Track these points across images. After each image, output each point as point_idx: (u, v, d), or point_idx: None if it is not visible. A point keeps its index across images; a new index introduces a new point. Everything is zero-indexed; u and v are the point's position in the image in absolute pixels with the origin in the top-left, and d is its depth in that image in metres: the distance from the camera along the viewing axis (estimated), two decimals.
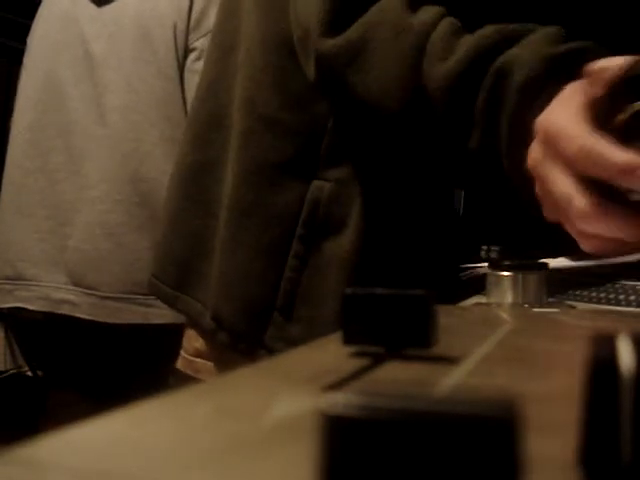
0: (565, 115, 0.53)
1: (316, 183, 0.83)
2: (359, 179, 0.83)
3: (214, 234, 0.88)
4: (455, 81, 0.66)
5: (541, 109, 0.56)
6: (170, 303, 0.97)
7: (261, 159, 0.84)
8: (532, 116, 0.57)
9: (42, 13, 1.54)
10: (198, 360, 0.94)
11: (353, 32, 0.71)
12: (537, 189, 0.58)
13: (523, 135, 0.58)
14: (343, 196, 0.83)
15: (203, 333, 0.92)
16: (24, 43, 1.55)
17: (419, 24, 0.69)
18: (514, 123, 0.60)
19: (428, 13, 0.70)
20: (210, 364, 0.92)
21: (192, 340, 0.95)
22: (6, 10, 2.09)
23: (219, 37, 0.95)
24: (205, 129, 0.93)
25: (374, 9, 0.71)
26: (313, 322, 0.83)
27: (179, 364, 0.96)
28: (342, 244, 0.83)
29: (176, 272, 0.94)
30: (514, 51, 0.64)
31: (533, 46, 0.62)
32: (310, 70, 0.76)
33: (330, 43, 0.72)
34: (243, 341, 0.85)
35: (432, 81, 0.67)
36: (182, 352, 0.96)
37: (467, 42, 0.67)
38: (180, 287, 0.94)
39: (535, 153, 0.56)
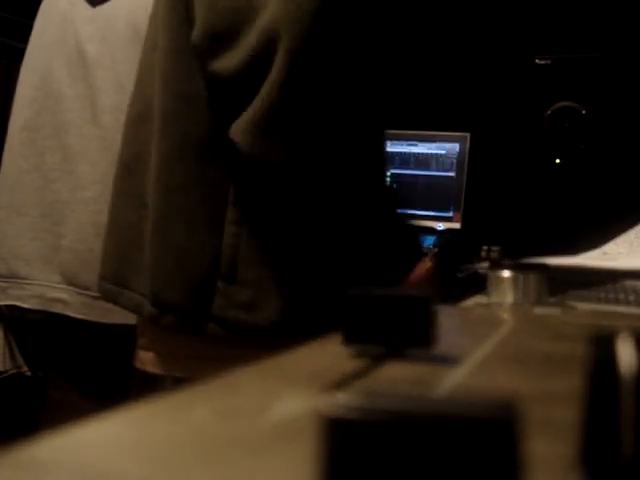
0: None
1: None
2: None
3: (146, 223, 0.90)
4: None
5: None
6: (113, 300, 0.98)
7: (189, 135, 0.86)
8: None
9: (41, 13, 1.54)
10: (141, 352, 0.95)
11: None
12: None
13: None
14: None
15: (144, 323, 0.93)
16: (24, 43, 1.55)
17: None
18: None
19: None
20: (151, 354, 0.93)
21: (138, 334, 0.96)
22: (6, 10, 2.09)
23: (146, 38, 0.99)
24: (133, 124, 0.96)
25: None
26: (259, 284, 0.84)
27: (134, 360, 0.97)
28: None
29: (115, 268, 0.96)
30: None
31: None
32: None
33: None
34: (190, 317, 0.86)
35: None
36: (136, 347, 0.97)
37: None
38: (120, 282, 0.95)
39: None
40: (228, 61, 0.79)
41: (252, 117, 0.78)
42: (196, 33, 0.82)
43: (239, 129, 0.79)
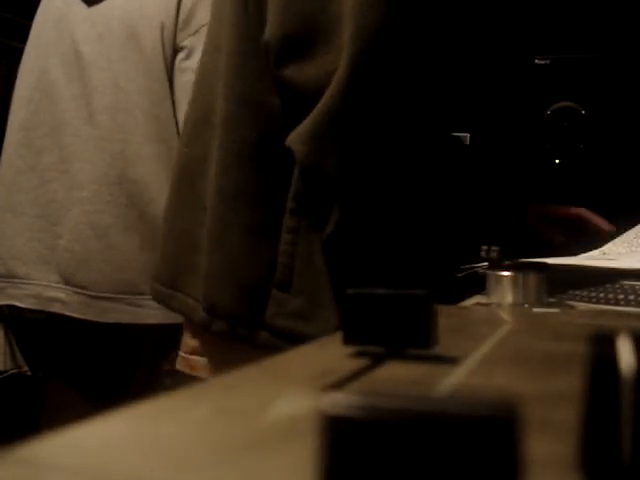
0: None
1: None
2: None
3: (204, 228, 0.89)
4: None
5: None
6: (165, 303, 0.96)
7: (248, 140, 0.85)
8: None
9: (39, 13, 1.54)
10: (192, 357, 0.93)
11: None
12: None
13: None
14: None
15: (197, 328, 0.92)
16: (24, 43, 1.55)
17: None
18: None
19: None
20: (204, 360, 0.92)
21: (187, 338, 0.95)
22: (6, 10, 2.09)
23: (208, 38, 0.97)
24: (195, 126, 0.94)
25: None
26: (312, 294, 0.82)
27: (177, 364, 0.96)
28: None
29: (170, 270, 0.95)
30: None
31: None
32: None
33: None
34: (242, 325, 0.84)
35: None
36: (180, 351, 0.96)
37: None
38: (174, 285, 0.94)
39: None
40: (304, 71, 0.77)
41: (309, 127, 0.76)
42: (268, 35, 0.79)
43: (296, 138, 0.78)
